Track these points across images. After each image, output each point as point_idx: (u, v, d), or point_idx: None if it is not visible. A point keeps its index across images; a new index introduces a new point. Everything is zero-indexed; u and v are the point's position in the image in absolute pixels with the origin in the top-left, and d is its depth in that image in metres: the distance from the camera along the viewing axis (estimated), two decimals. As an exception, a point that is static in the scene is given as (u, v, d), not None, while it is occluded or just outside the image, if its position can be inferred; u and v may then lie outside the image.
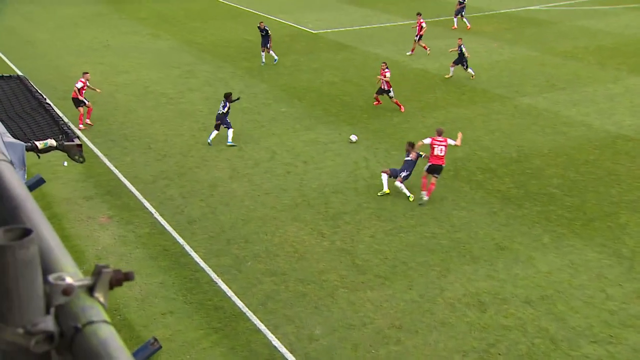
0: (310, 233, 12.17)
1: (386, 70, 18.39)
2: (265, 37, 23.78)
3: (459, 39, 21.48)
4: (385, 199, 13.39)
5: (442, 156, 13.14)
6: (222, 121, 16.24)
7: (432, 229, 12.36)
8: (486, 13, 33.56)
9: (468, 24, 29.20)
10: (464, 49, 20.78)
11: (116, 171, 14.74)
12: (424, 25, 24.86)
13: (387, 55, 25.31)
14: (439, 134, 13.38)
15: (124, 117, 18.24)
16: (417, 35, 24.94)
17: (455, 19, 29.52)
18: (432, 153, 13.16)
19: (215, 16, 34.22)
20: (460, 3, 29.53)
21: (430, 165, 13.16)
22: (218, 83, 21.98)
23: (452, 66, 21.40)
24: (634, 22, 29.55)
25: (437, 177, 13.21)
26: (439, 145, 13.14)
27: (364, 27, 30.94)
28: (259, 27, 24.38)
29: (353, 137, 16.32)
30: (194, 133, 17.15)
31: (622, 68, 22.33)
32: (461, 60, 20.84)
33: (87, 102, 17.37)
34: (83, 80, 17.39)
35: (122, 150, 15.87)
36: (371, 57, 25.21)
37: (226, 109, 16.19)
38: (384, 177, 13.49)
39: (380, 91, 18.69)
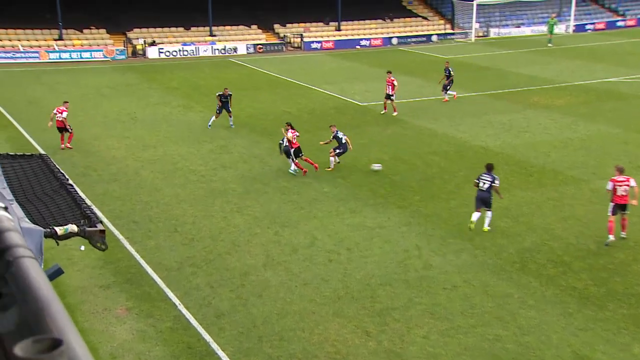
0: (354, 331, 12.28)
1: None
2: (226, 103, 25.72)
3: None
4: (439, 294, 13.47)
5: (625, 196, 15.17)
6: None
7: (495, 330, 12.29)
8: (557, 85, 34.24)
9: (446, 97, 30.47)
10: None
11: (138, 256, 15.26)
12: (396, 83, 28.18)
13: (444, 131, 25.95)
14: (620, 172, 15.37)
15: (149, 196, 19.08)
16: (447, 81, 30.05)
17: (444, 94, 30.73)
18: (615, 193, 15.33)
19: (252, 86, 35.93)
20: (447, 77, 30.47)
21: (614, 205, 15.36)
22: (254, 160, 22.79)
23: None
24: None
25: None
26: (622, 185, 15.23)
27: (417, 99, 31.91)
28: (220, 95, 25.91)
29: (376, 166, 16.73)
30: (226, 215, 17.75)
31: None
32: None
33: (70, 130, 22.97)
34: (64, 108, 22.89)
35: (145, 234, 16.48)
36: (425, 133, 25.87)
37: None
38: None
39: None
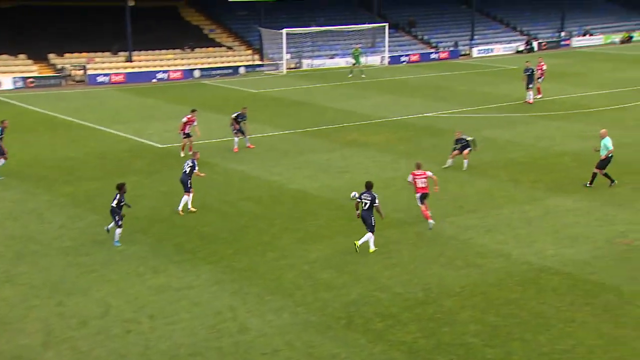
0: (160, 416, 11.75)
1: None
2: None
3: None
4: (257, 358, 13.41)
5: (425, 187, 20.29)
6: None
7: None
8: (375, 121, 36.35)
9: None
10: None
11: None
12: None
13: (256, 174, 26.31)
14: (418, 167, 20.56)
15: None
16: None
17: None
18: (416, 185, 20.33)
19: (24, 128, 34.00)
20: None
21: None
22: (28, 216, 21.45)
23: None
24: (545, 132, 33.34)
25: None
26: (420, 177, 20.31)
27: (226, 139, 32.15)
28: None
29: (353, 194, 19.00)
30: (-7, 285, 16.39)
31: (538, 186, 24.76)
32: None
33: None
34: None
35: None
36: (235, 176, 26.06)
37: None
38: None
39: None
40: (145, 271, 17.44)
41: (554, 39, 72.78)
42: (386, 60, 61.25)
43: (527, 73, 40.03)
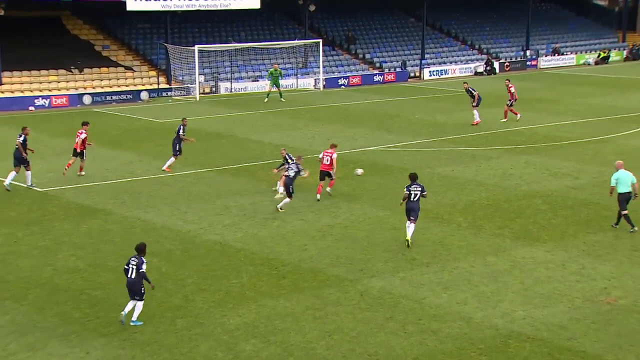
0: None
1: None
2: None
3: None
4: None
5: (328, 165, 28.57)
6: None
7: None
8: (311, 156, 36.41)
9: None
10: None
11: None
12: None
13: (164, 222, 26.02)
14: (332, 146, 29.48)
15: None
16: None
17: None
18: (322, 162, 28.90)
19: None
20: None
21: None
22: None
23: None
24: (512, 168, 33.99)
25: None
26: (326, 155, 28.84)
27: (126, 179, 31.68)
28: None
29: (359, 171, 29.19)
30: None
31: (505, 234, 25.08)
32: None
33: None
34: None
35: None
36: (137, 227, 25.68)
37: None
38: None
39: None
40: (18, 349, 16.89)
41: (519, 59, 75.03)
42: (321, 84, 61.93)
43: (470, 94, 44.08)
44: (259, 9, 61.69)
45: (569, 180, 29.42)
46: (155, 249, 23.40)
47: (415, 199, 23.69)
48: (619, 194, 24.90)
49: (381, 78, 65.73)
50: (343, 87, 62.88)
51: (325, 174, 28.67)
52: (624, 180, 24.88)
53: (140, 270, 18.11)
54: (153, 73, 59.60)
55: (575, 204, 26.98)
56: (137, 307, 18.18)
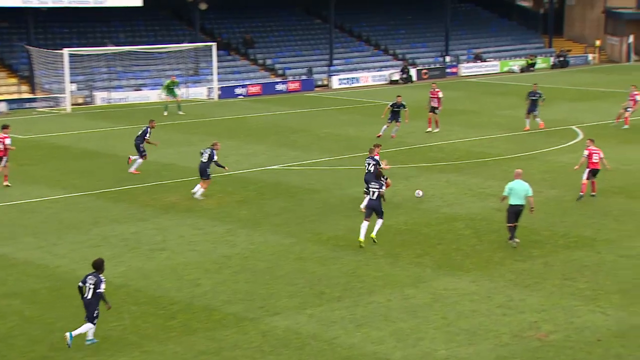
0: None
1: None
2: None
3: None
4: None
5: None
6: None
7: None
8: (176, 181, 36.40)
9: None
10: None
11: None
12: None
13: (28, 257, 25.49)
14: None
15: None
16: None
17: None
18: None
19: None
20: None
21: None
22: None
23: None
24: (432, 188, 34.31)
25: None
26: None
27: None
28: None
29: (419, 193, 31.06)
30: None
31: (425, 263, 25.33)
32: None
33: None
34: None
35: None
36: None
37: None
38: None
39: None
40: None
41: (438, 65, 76.40)
42: (216, 93, 61.79)
43: (395, 109, 44.58)
44: (141, 7, 61.27)
45: (494, 201, 29.99)
46: (16, 288, 22.93)
47: (375, 197, 26.38)
48: (510, 205, 26.10)
49: (284, 87, 66.02)
50: (241, 97, 62.86)
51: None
52: (517, 192, 26.06)
53: (98, 291, 18.82)
54: (13, 80, 58.52)
55: (501, 227, 27.49)
56: (84, 327, 18.93)
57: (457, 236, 27.95)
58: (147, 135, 36.46)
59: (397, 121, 44.49)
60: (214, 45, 62.18)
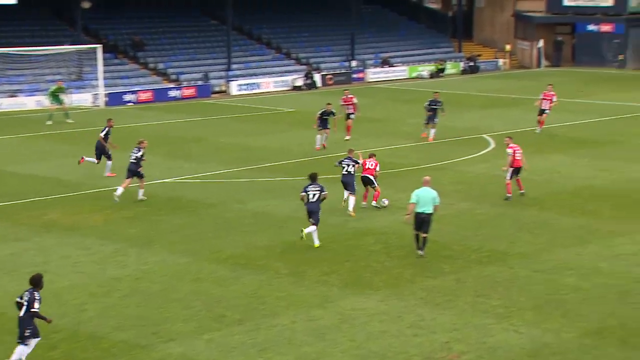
0: None
1: None
2: None
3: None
4: None
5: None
6: None
7: None
8: (91, 191, 35.90)
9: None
10: None
11: None
12: None
13: None
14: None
15: None
16: None
17: None
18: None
19: None
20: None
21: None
22: None
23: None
24: (339, 202, 34.67)
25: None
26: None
27: None
28: None
29: (385, 202, 32.21)
30: None
31: (332, 281, 25.41)
32: None
33: None
34: None
35: None
36: None
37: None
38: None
39: None
40: None
41: (343, 71, 76.93)
42: (102, 100, 61.15)
43: (325, 117, 45.32)
44: (14, 4, 60.15)
45: (404, 214, 30.26)
46: None
47: (315, 199, 27.72)
48: (416, 213, 26.84)
49: (178, 93, 65.72)
50: (130, 104, 62.36)
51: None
52: (424, 199, 26.89)
53: (32, 310, 18.53)
54: None
55: (411, 242, 27.77)
56: (16, 351, 18.53)
57: (367, 252, 28.14)
58: (103, 133, 38.57)
59: (326, 128, 45.15)
60: (99, 47, 61.68)
